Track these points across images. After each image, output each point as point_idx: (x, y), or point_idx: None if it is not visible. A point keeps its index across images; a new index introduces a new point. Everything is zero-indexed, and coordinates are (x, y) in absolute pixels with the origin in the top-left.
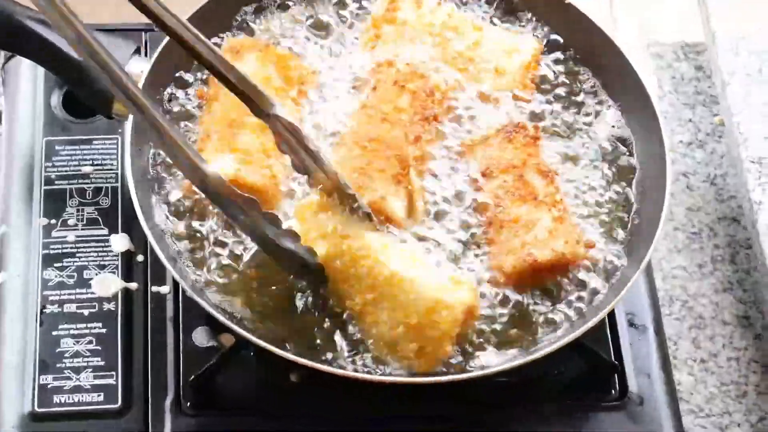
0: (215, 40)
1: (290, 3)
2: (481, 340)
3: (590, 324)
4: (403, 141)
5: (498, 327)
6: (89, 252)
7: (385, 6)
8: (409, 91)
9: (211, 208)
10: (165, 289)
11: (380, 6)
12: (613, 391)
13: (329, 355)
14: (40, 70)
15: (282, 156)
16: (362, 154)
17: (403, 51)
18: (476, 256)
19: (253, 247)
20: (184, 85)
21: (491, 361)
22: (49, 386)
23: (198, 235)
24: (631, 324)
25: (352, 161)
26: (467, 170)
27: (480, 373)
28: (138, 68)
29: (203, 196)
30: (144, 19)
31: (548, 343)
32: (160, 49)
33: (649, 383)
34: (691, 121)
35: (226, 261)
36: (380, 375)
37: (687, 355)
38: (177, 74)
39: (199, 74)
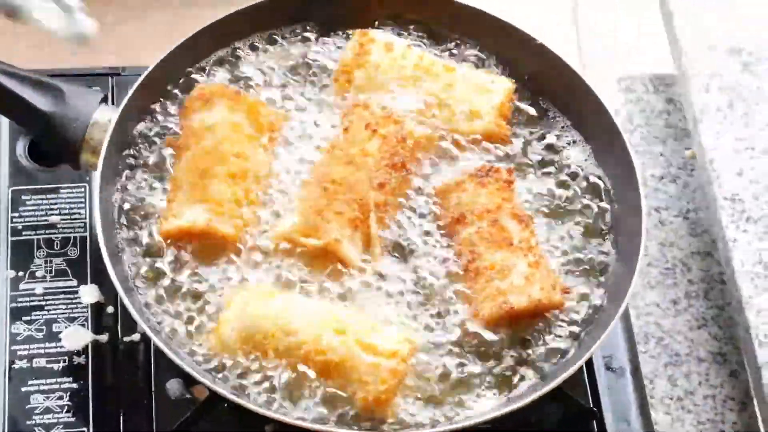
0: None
1: (258, 45)
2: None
3: (570, 371)
4: (366, 185)
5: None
6: (58, 304)
7: (355, 50)
8: (380, 136)
9: (184, 255)
10: (136, 337)
11: (350, 50)
12: None
13: (304, 405)
14: (4, 119)
15: (254, 204)
16: (323, 194)
17: (377, 96)
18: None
19: (225, 293)
20: (153, 132)
21: (473, 410)
22: None
23: (169, 284)
24: (608, 368)
25: (312, 201)
26: (440, 216)
27: (460, 425)
28: (105, 117)
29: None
30: (110, 63)
31: (527, 392)
32: (127, 96)
33: (628, 428)
34: (662, 155)
35: (197, 309)
36: (358, 430)
37: (663, 393)
38: (146, 120)
39: (169, 122)
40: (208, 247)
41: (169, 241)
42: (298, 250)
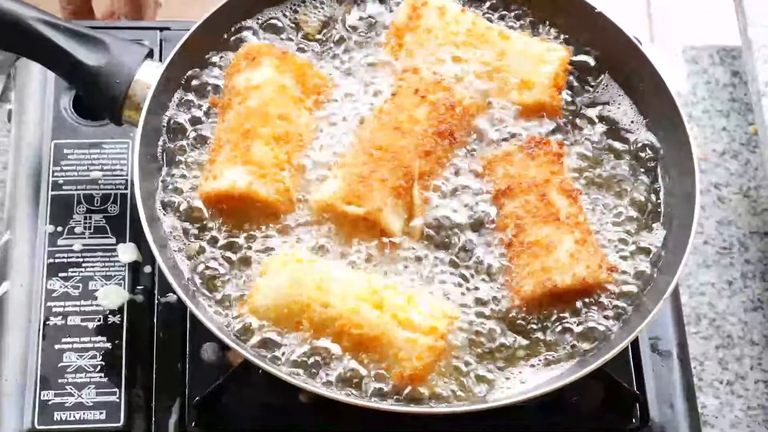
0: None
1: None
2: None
3: (613, 352)
4: (412, 153)
5: (512, 352)
6: (95, 262)
7: (407, 13)
8: (429, 102)
9: (223, 219)
10: (173, 299)
11: (402, 14)
12: (633, 420)
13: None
14: (50, 72)
15: (297, 169)
16: (367, 160)
17: (427, 60)
18: (485, 281)
19: (263, 260)
20: (197, 90)
21: (512, 388)
22: (50, 402)
23: (207, 247)
24: (654, 349)
25: (356, 167)
26: (486, 188)
27: (498, 403)
28: (150, 73)
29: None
30: (159, 18)
31: (568, 372)
32: (172, 53)
33: (672, 413)
34: (725, 130)
35: (234, 275)
36: (390, 404)
37: (713, 376)
38: (190, 79)
39: (213, 80)
40: (248, 210)
41: (208, 202)
42: (339, 217)
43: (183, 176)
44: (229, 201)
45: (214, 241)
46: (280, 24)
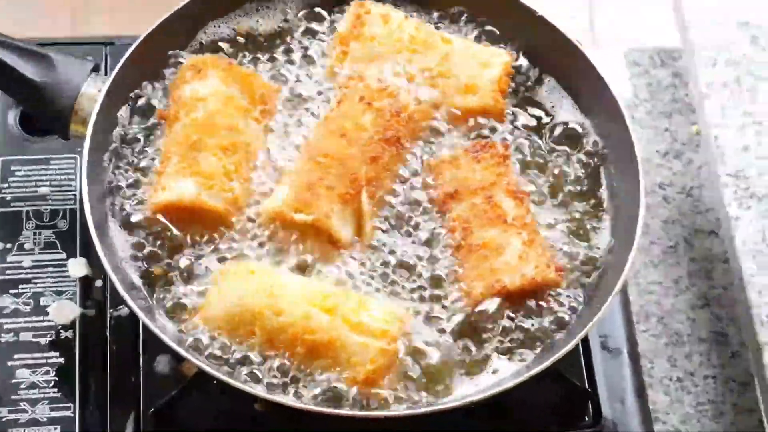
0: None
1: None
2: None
3: (563, 351)
4: (359, 160)
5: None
6: (46, 278)
7: (351, 22)
8: (374, 109)
9: (173, 230)
10: (125, 312)
11: (346, 22)
12: (586, 418)
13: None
14: None
15: (246, 179)
16: (314, 168)
17: (372, 68)
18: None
19: (213, 267)
20: (145, 103)
21: (465, 390)
22: (3, 419)
23: (158, 259)
24: (604, 347)
25: (303, 175)
26: (433, 193)
27: (450, 404)
28: (95, 87)
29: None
30: (104, 32)
31: (520, 372)
32: (118, 66)
33: (624, 410)
34: (668, 131)
35: (186, 286)
36: (344, 410)
37: (663, 373)
38: (136, 92)
39: (160, 93)
40: (197, 221)
41: (157, 214)
42: (288, 225)
43: (133, 188)
44: (179, 212)
45: (166, 253)
46: (227, 36)
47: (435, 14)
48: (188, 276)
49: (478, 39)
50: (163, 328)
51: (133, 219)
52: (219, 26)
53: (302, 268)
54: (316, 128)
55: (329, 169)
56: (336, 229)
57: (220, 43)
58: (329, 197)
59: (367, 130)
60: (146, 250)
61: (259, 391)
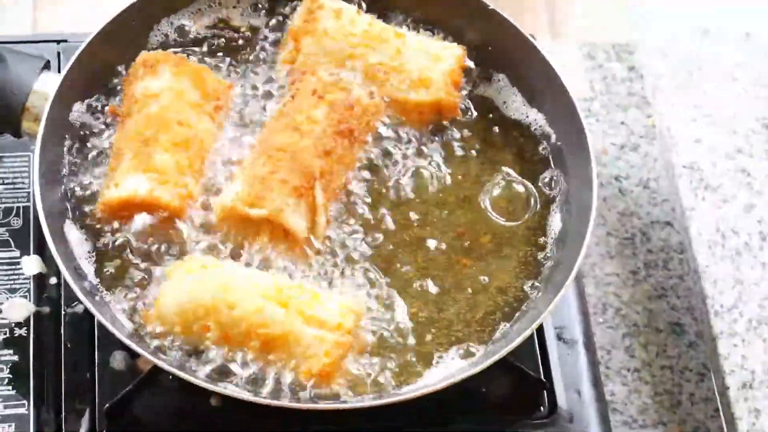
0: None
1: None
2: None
3: (518, 341)
4: (312, 153)
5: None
6: None
7: (303, 17)
8: (327, 103)
9: (126, 227)
10: (80, 309)
11: (299, 18)
12: (542, 408)
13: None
14: None
15: (199, 174)
16: (266, 162)
17: (325, 62)
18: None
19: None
20: (97, 100)
21: (420, 381)
22: None
23: (112, 256)
24: (560, 338)
25: (256, 170)
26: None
27: (405, 396)
28: (47, 84)
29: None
30: (58, 30)
31: (475, 362)
32: (70, 63)
33: (579, 399)
34: (624, 124)
35: (141, 281)
36: (296, 402)
37: (620, 364)
38: (89, 89)
39: (112, 90)
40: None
41: (110, 210)
42: (242, 220)
43: (87, 185)
44: (132, 208)
45: (119, 249)
46: (179, 32)
47: (387, 9)
48: (143, 272)
49: (431, 33)
50: (118, 325)
51: (88, 216)
52: (171, 23)
53: (256, 263)
54: (269, 123)
55: (282, 163)
56: (291, 222)
57: (173, 40)
58: (283, 190)
59: (320, 123)
60: (101, 247)
61: (214, 385)
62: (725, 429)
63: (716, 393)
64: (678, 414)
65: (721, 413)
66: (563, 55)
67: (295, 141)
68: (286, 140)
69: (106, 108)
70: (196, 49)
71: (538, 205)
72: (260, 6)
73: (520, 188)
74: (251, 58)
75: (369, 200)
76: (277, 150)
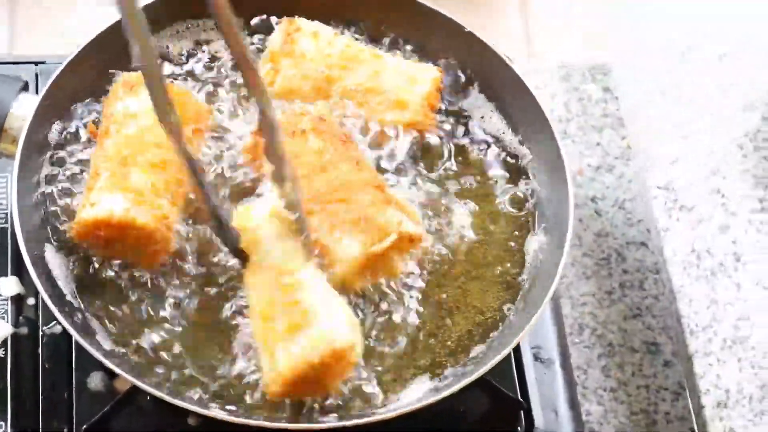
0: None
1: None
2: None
3: (495, 360)
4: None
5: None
6: None
7: (282, 39)
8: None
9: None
10: (57, 329)
11: (277, 39)
12: (519, 428)
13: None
14: None
15: (174, 196)
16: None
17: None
18: None
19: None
20: (76, 121)
21: (397, 401)
22: None
23: (90, 276)
24: (537, 358)
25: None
26: None
27: (382, 416)
28: (25, 105)
29: (96, 235)
30: (36, 52)
31: (452, 383)
32: (48, 85)
33: (556, 419)
34: (599, 145)
35: (119, 302)
36: (276, 422)
37: (597, 384)
38: (67, 110)
39: (92, 111)
40: (125, 238)
41: (86, 230)
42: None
43: (65, 206)
44: (107, 229)
45: (99, 269)
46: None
47: (363, 33)
48: (123, 291)
49: (408, 55)
50: (96, 345)
51: (66, 236)
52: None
53: None
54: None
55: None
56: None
57: None
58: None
59: (327, 151)
60: (80, 267)
61: (192, 405)
62: None
63: (692, 412)
64: None
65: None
66: (539, 76)
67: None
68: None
69: (85, 129)
70: (176, 70)
71: (515, 225)
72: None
73: (498, 207)
74: (231, 80)
75: None
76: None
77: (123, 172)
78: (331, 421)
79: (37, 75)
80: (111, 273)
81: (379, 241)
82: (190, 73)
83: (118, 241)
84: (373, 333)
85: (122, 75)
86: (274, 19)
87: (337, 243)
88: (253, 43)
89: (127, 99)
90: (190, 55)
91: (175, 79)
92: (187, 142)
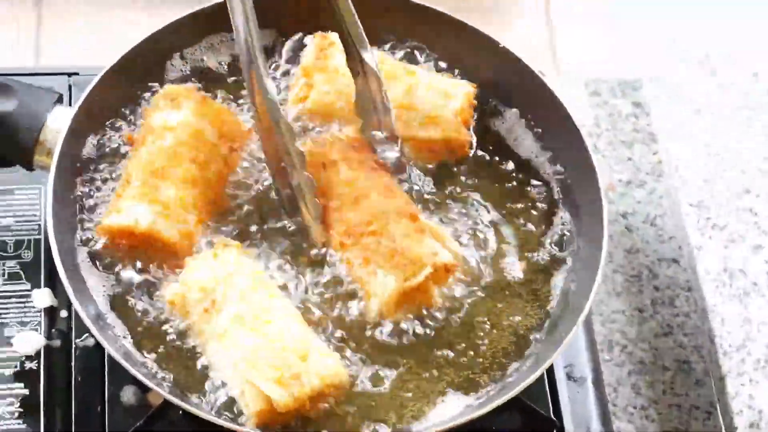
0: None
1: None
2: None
3: (530, 380)
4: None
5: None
6: (10, 308)
7: (315, 54)
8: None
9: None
10: (90, 342)
11: (310, 55)
12: None
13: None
14: None
15: (202, 213)
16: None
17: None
18: None
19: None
20: (110, 133)
21: (430, 419)
22: None
23: (124, 289)
24: (569, 377)
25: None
26: None
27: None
28: (60, 118)
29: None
30: (68, 63)
31: (485, 402)
32: (83, 97)
33: None
34: (630, 160)
35: (154, 314)
36: None
37: (627, 402)
38: (102, 123)
39: (127, 123)
40: (147, 250)
41: (109, 236)
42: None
43: (99, 219)
44: (130, 238)
45: (131, 281)
46: (188, 68)
47: (396, 48)
48: (155, 303)
49: (440, 71)
50: (129, 358)
51: (99, 247)
52: (184, 58)
53: None
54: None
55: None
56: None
57: (185, 74)
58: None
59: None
60: (113, 278)
61: (226, 422)
62: None
63: (723, 431)
64: None
65: None
66: (569, 92)
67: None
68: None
69: (118, 141)
70: (204, 83)
71: (548, 243)
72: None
73: (529, 224)
74: None
75: None
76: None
77: (154, 184)
78: None
79: (70, 86)
80: (142, 284)
81: (413, 274)
82: (221, 84)
83: (140, 248)
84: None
85: (165, 87)
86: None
87: (372, 276)
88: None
89: (167, 111)
90: (229, 68)
91: (203, 90)
92: (222, 160)
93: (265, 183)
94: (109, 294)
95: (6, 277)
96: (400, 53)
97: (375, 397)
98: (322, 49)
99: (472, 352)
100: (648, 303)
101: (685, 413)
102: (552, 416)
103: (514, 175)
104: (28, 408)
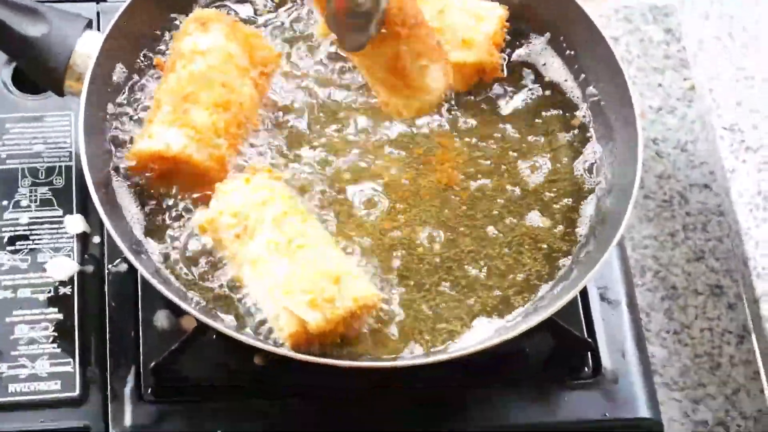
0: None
1: None
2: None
3: (563, 302)
4: None
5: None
6: (43, 234)
7: None
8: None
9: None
10: (123, 267)
11: None
12: (586, 369)
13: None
14: None
15: (234, 137)
16: None
17: None
18: None
19: None
20: (140, 59)
21: (464, 340)
22: (3, 375)
23: (156, 213)
24: (603, 298)
25: None
26: None
27: (449, 355)
28: (90, 43)
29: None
30: None
31: (519, 322)
32: (112, 23)
33: (624, 361)
34: (661, 86)
35: (185, 240)
36: (347, 360)
37: (660, 326)
38: (132, 48)
39: (156, 46)
40: (178, 174)
41: (140, 161)
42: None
43: (130, 143)
44: (161, 162)
45: (165, 207)
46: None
47: None
48: (186, 229)
49: None
50: (164, 282)
51: (130, 173)
52: None
53: None
54: None
55: None
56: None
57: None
58: None
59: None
60: (146, 203)
61: (260, 343)
62: (766, 391)
63: (757, 355)
64: (718, 376)
65: (762, 375)
66: (599, 19)
67: None
68: None
69: (148, 67)
70: (240, 7)
71: (581, 167)
72: None
73: (563, 147)
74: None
75: None
76: None
77: (185, 108)
78: (407, 359)
79: (98, 13)
80: (175, 209)
81: None
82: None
83: (172, 174)
84: (440, 272)
85: (196, 11)
86: None
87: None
88: None
89: (197, 35)
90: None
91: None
92: (253, 84)
93: (296, 106)
94: (142, 219)
95: (38, 203)
96: None
97: (408, 319)
98: None
99: (504, 275)
100: (679, 228)
101: (717, 337)
102: (587, 338)
103: (544, 99)
104: (62, 332)
